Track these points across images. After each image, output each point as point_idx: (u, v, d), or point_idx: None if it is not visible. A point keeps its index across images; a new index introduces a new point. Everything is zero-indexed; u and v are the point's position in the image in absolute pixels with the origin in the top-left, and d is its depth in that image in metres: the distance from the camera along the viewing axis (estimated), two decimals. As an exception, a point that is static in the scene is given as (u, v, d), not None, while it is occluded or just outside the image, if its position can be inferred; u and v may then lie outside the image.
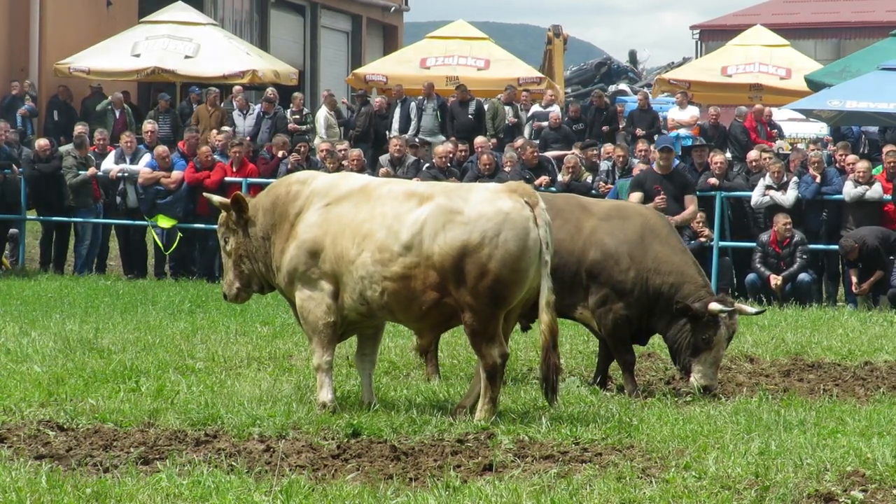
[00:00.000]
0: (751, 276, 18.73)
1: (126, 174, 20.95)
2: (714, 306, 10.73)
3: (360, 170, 19.65)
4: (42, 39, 31.87)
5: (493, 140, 26.04)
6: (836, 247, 18.58)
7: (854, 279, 18.30)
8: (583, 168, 20.70)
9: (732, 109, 28.54)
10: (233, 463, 7.94)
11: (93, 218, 21.18)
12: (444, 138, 25.38)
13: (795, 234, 18.50)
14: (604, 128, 27.45)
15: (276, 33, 41.28)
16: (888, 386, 11.44)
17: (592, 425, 9.21)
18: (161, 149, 21.13)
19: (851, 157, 19.76)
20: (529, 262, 9.24)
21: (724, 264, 19.34)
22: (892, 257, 18.15)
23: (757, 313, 12.14)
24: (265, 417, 9.24)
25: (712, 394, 10.73)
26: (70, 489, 7.30)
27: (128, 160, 21.13)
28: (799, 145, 28.41)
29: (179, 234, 20.73)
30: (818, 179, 19.07)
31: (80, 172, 20.85)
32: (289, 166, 20.51)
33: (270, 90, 28.04)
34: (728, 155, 22.66)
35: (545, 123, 26.80)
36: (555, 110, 27.35)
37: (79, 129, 22.20)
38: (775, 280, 18.34)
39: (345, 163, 20.64)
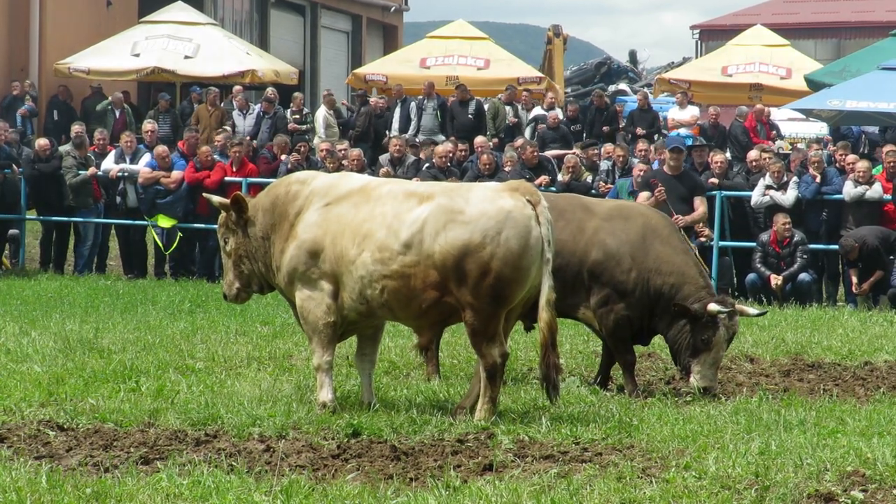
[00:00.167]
0: (751, 276, 18.72)
1: (126, 174, 20.95)
2: (712, 307, 10.72)
3: (360, 170, 19.65)
4: (42, 39, 31.88)
5: (494, 140, 26.06)
6: (836, 247, 18.58)
7: (854, 279, 18.30)
8: (582, 168, 20.71)
9: (732, 109, 28.54)
10: (233, 463, 7.94)
11: (93, 218, 21.17)
12: (444, 138, 25.37)
13: (795, 233, 18.50)
14: (604, 128, 27.45)
15: (275, 33, 41.28)
16: (888, 386, 11.44)
17: (592, 425, 9.21)
18: (161, 148, 21.13)
19: (851, 157, 19.76)
20: (531, 260, 9.24)
21: (724, 264, 19.34)
22: (892, 257, 18.15)
23: (758, 315, 12.12)
24: (265, 417, 9.24)
25: (712, 394, 10.73)
26: (70, 489, 7.30)
27: (128, 160, 21.13)
28: (799, 145, 28.40)
29: (179, 233, 20.73)
30: (818, 179, 19.07)
31: (80, 172, 20.85)
32: (289, 166, 20.51)
33: (270, 90, 28.04)
34: (727, 155, 22.65)
35: (544, 125, 26.80)
36: (554, 111, 27.32)
37: (76, 128, 22.19)
38: (775, 280, 18.34)
39: (345, 162, 20.64)
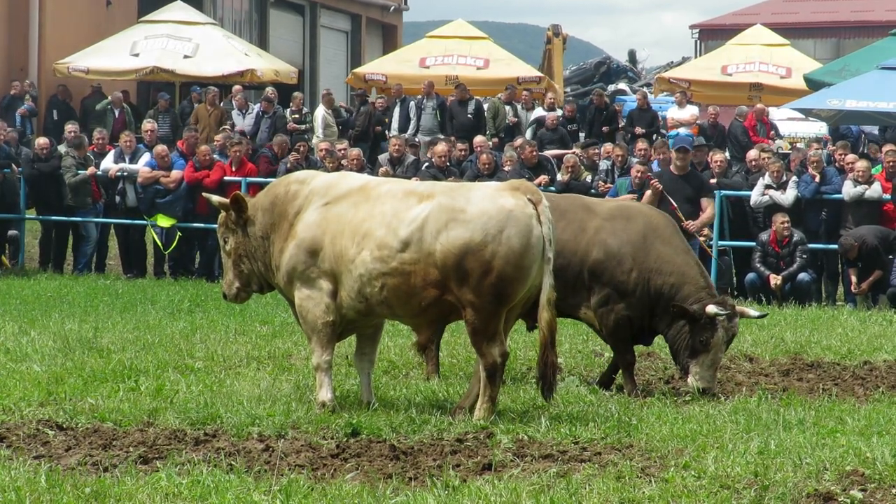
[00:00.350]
0: (750, 276, 18.72)
1: (125, 173, 20.95)
2: (710, 309, 10.70)
3: (360, 169, 19.65)
4: (41, 39, 31.87)
5: (494, 140, 26.07)
6: (835, 246, 18.58)
7: (853, 278, 18.30)
8: (582, 167, 20.71)
9: (732, 109, 28.54)
10: (232, 462, 7.94)
11: (92, 217, 21.17)
12: (442, 137, 25.38)
13: (795, 233, 18.50)
14: (603, 128, 27.44)
15: (275, 33, 41.28)
16: (887, 385, 11.44)
17: (592, 425, 9.21)
18: (160, 148, 21.13)
19: (851, 157, 19.76)
20: (533, 259, 9.25)
21: (723, 264, 19.34)
22: (891, 256, 18.14)
23: (759, 317, 12.06)
24: (264, 417, 9.24)
25: (710, 395, 10.72)
26: (69, 489, 7.30)
27: (127, 160, 21.12)
28: (798, 145, 28.41)
29: (179, 233, 20.73)
30: (817, 179, 19.07)
31: (80, 172, 20.85)
32: (288, 165, 20.51)
33: (270, 90, 28.05)
34: (726, 154, 22.65)
35: (543, 128, 26.78)
36: (555, 111, 27.31)
37: (69, 128, 22.19)
38: (775, 280, 18.34)
39: (344, 162, 20.64)
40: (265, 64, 30.69)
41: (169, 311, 16.10)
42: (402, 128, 27.27)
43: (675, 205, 16.72)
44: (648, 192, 17.16)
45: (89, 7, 33.40)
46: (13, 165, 21.36)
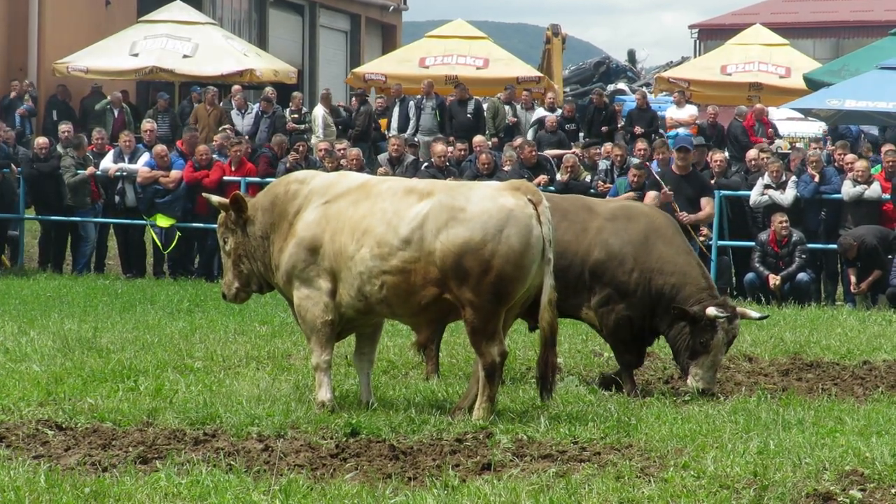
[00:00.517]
0: (749, 276, 18.72)
1: (125, 173, 20.95)
2: (711, 311, 10.69)
3: (359, 169, 19.65)
4: (41, 39, 31.84)
5: (494, 139, 26.06)
6: (834, 246, 18.58)
7: (853, 278, 18.30)
8: (581, 167, 20.72)
9: (731, 109, 28.54)
10: (231, 462, 7.94)
11: (92, 217, 21.16)
12: (442, 137, 25.37)
13: (794, 233, 18.50)
14: (602, 127, 27.43)
15: (274, 33, 41.27)
16: (887, 385, 11.44)
17: (591, 424, 9.21)
18: (160, 148, 21.13)
19: (850, 157, 19.76)
20: (532, 258, 9.25)
21: (722, 264, 19.34)
22: (890, 256, 18.14)
23: (760, 318, 12.03)
24: (264, 417, 9.24)
25: (710, 395, 10.71)
26: (68, 488, 7.30)
27: (126, 159, 21.12)
28: (798, 144, 28.42)
29: (178, 233, 20.73)
30: (817, 179, 19.07)
31: (79, 172, 20.84)
32: (287, 165, 20.51)
33: (269, 89, 28.05)
34: (725, 154, 22.66)
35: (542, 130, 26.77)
36: (555, 112, 27.28)
37: (62, 128, 22.17)
38: (774, 279, 18.33)
39: (343, 162, 20.64)
40: (264, 64, 30.69)
41: (168, 311, 16.10)
42: (402, 128, 27.27)
43: (677, 208, 16.75)
44: (650, 193, 17.14)
45: (88, 7, 33.39)
46: (12, 165, 21.36)
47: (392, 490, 7.41)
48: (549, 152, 23.85)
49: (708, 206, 17.63)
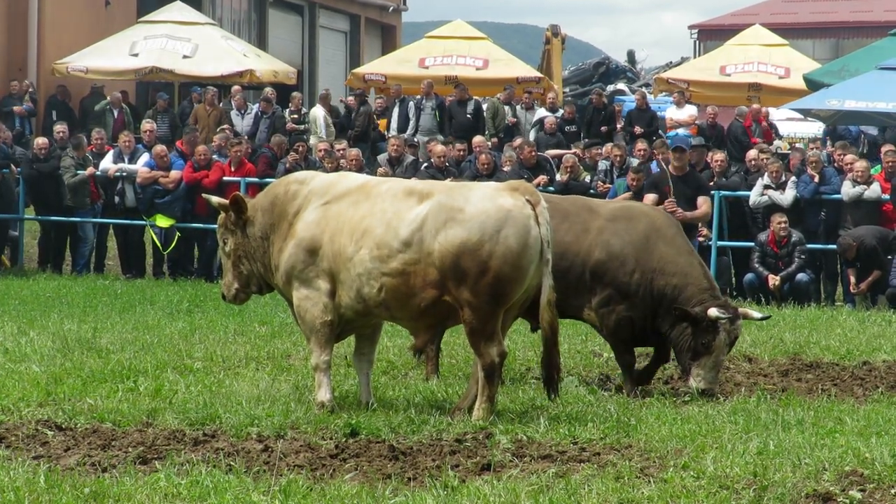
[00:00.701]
0: (749, 276, 18.72)
1: (124, 174, 20.95)
2: (712, 312, 10.67)
3: (359, 169, 19.65)
4: (40, 39, 31.82)
5: (494, 140, 26.06)
6: (834, 246, 18.59)
7: (852, 279, 18.30)
8: (581, 168, 20.72)
9: (731, 109, 28.53)
10: (231, 463, 7.94)
11: (91, 218, 21.16)
12: (441, 138, 25.38)
13: (794, 233, 18.50)
14: (602, 128, 27.44)
15: (274, 33, 41.26)
16: (886, 385, 11.44)
17: (591, 425, 9.21)
18: (159, 148, 21.13)
19: (850, 157, 19.75)
20: (530, 259, 9.25)
21: (722, 264, 19.35)
22: (889, 257, 18.15)
23: (762, 319, 12.01)
24: (263, 417, 9.24)
25: (710, 396, 10.71)
26: (68, 489, 7.30)
27: (126, 160, 21.13)
28: (797, 145, 28.41)
29: (178, 233, 20.73)
30: (816, 179, 19.08)
31: (79, 172, 20.85)
32: (287, 165, 20.51)
33: (269, 90, 28.04)
34: (724, 154, 22.65)
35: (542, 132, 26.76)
36: (556, 113, 27.28)
37: (57, 128, 22.16)
38: (773, 280, 18.34)
39: (343, 162, 20.64)
40: (264, 64, 30.69)
41: (168, 312, 16.10)
42: (401, 128, 27.27)
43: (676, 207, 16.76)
44: (649, 195, 17.11)
45: (88, 7, 33.37)
46: (11, 165, 21.36)
47: (392, 490, 7.41)
48: (549, 153, 23.85)
49: (704, 204, 17.62)
